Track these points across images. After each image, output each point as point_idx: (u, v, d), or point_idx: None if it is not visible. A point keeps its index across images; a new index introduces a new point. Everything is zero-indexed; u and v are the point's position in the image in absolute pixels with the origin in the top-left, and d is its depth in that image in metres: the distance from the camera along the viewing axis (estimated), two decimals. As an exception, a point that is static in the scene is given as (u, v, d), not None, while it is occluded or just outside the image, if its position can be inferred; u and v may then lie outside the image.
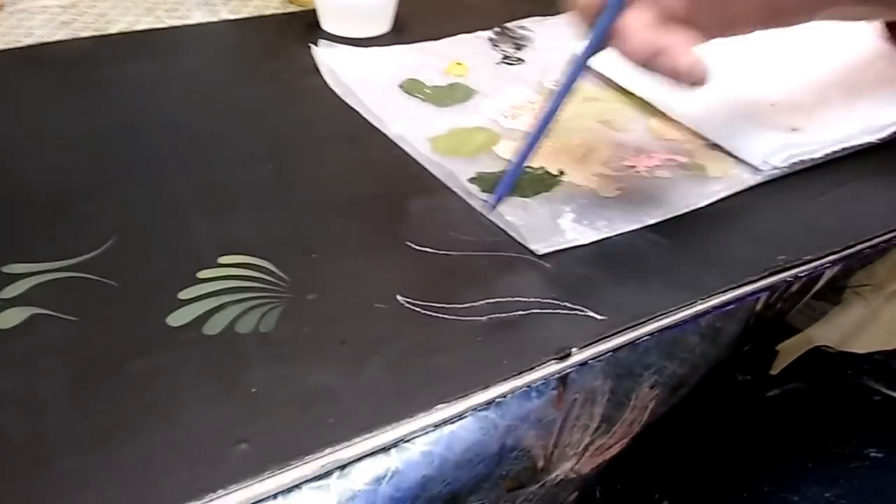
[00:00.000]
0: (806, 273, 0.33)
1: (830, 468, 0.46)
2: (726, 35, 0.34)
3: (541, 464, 0.28)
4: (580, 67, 0.32)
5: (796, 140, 0.39)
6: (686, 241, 0.33)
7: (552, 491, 0.30)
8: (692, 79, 0.31)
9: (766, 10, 0.33)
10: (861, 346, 0.44)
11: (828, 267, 0.33)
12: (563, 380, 0.27)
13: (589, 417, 0.29)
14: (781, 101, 0.43)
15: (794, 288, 0.33)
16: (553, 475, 0.30)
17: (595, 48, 0.32)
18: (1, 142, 0.39)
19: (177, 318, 0.28)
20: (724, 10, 0.33)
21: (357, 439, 0.24)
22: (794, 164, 0.38)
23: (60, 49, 0.50)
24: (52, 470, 0.22)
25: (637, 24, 0.30)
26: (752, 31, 0.34)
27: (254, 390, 0.25)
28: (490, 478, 0.27)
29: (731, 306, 0.31)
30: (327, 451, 0.23)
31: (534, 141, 0.34)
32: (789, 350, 0.45)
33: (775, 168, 0.38)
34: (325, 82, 0.46)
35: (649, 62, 0.31)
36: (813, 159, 0.39)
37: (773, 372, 0.46)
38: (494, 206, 0.34)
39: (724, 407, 0.44)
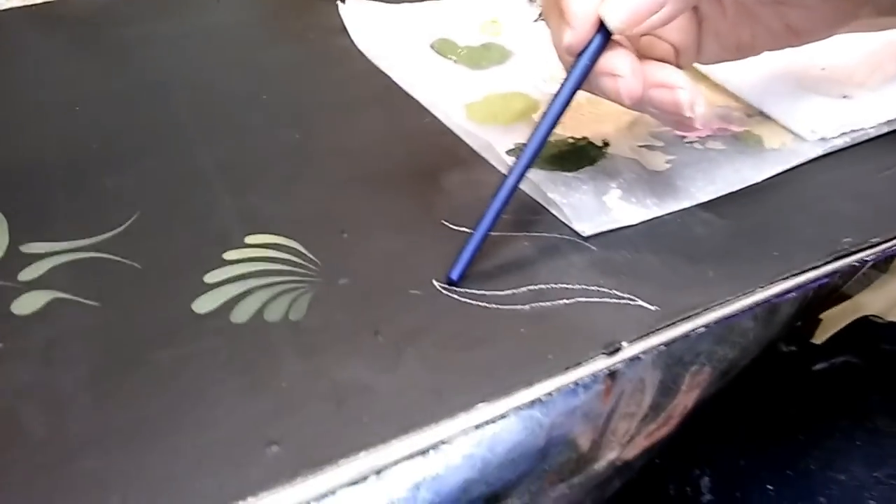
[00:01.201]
0: (873, 256, 0.30)
1: (879, 447, 0.44)
2: (733, 60, 0.32)
3: (585, 454, 0.27)
4: (558, 112, 0.28)
5: (848, 108, 0.36)
6: (743, 220, 0.31)
7: (596, 480, 0.29)
8: (689, 118, 0.28)
9: (781, 33, 0.31)
10: (909, 316, 0.41)
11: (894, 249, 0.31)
12: (611, 375, 0.25)
13: (637, 406, 0.27)
14: (833, 66, 0.39)
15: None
16: (597, 464, 0.28)
17: (576, 88, 0.28)
18: (17, 108, 0.38)
19: (203, 305, 0.26)
20: (734, 36, 0.31)
21: (394, 441, 0.22)
22: (846, 134, 0.35)
23: (76, 6, 0.47)
24: (74, 470, 0.21)
25: (625, 60, 0.27)
26: (761, 53, 0.32)
27: (284, 385, 0.24)
28: (533, 473, 0.25)
29: (792, 294, 0.28)
30: (362, 453, 0.22)
31: (500, 208, 0.28)
32: (834, 319, 0.43)
33: (824, 139, 0.35)
34: (353, 43, 0.44)
35: (643, 97, 0.28)
36: (865, 130, 0.36)
37: (818, 341, 0.44)
38: (455, 282, 0.27)
39: (769, 380, 0.42)
